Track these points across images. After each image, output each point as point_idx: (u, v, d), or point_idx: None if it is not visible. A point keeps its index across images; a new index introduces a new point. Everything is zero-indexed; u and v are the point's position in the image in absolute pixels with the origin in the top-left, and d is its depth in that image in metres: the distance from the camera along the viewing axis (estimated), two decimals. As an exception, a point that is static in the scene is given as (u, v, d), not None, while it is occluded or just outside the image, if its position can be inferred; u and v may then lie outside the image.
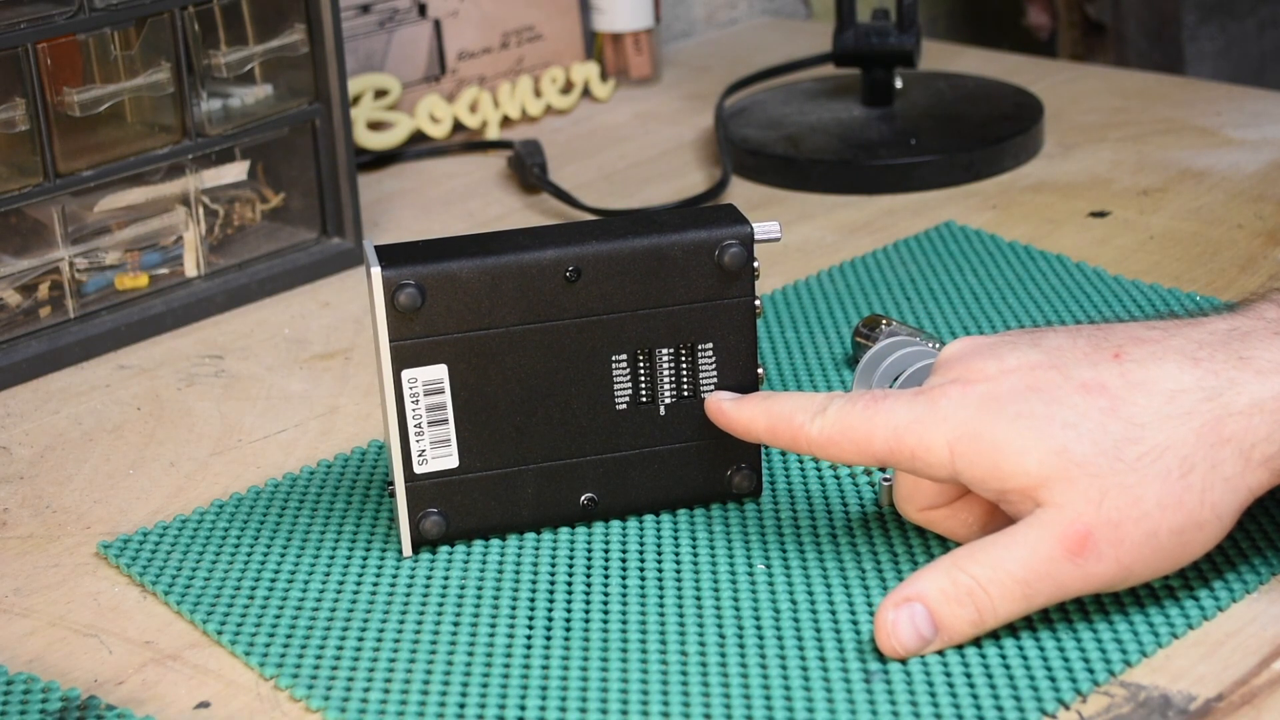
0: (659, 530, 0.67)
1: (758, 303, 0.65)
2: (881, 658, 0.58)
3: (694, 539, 0.66)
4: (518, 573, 0.65)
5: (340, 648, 0.61)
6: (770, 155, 1.04)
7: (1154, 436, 0.56)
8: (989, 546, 0.57)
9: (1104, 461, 0.56)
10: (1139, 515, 0.56)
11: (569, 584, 0.64)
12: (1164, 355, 0.58)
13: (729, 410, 0.65)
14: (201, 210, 0.91)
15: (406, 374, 0.63)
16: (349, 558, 0.66)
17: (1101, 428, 0.56)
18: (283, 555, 0.67)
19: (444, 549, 0.66)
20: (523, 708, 0.57)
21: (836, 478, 0.70)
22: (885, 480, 0.67)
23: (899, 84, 1.10)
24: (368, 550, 0.67)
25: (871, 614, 0.60)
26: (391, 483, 0.65)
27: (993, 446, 0.57)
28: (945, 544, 0.64)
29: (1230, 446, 0.56)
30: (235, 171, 0.92)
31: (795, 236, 0.96)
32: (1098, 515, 0.56)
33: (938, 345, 0.75)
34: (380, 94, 1.13)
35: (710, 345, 0.66)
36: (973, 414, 0.58)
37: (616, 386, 0.66)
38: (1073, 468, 0.56)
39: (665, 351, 0.66)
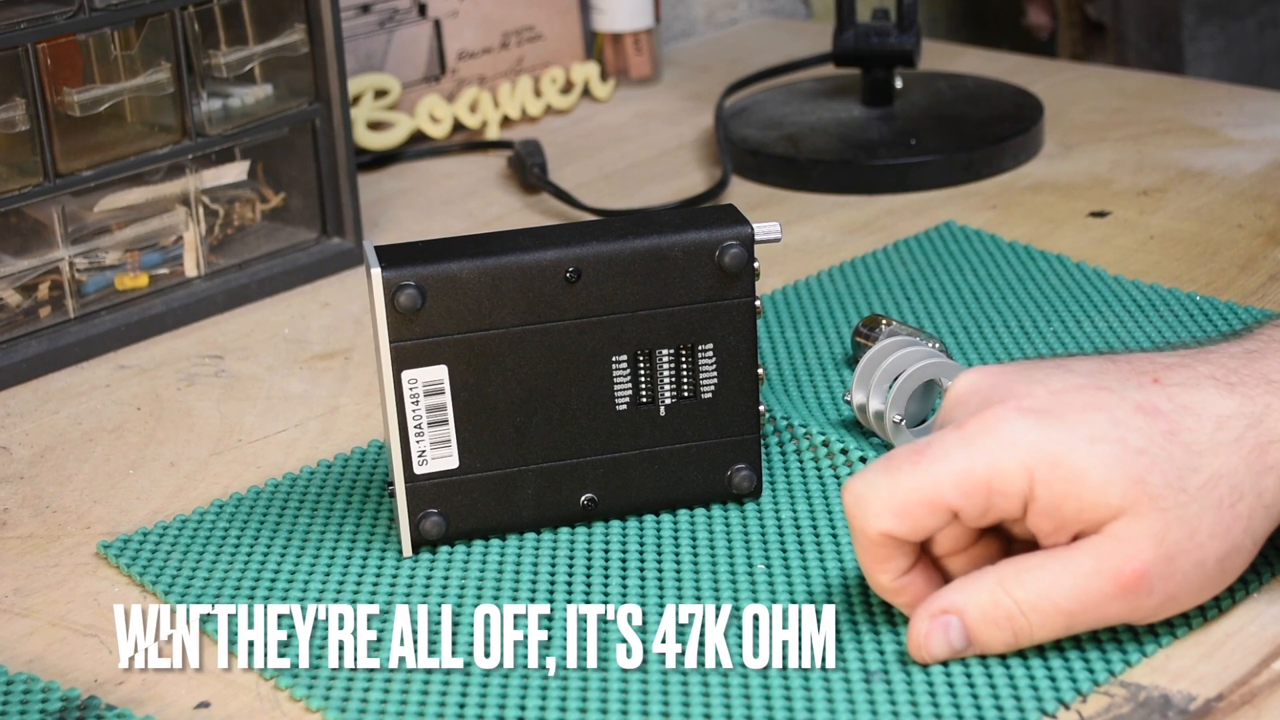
0: (659, 530, 0.67)
1: (758, 303, 0.65)
2: (881, 658, 0.58)
3: (694, 539, 0.66)
4: (518, 573, 0.65)
5: (341, 648, 0.61)
6: (770, 155, 1.04)
7: (1211, 464, 0.55)
8: (1038, 571, 0.56)
9: (1170, 495, 0.55)
10: (1192, 547, 0.55)
11: (569, 584, 0.64)
12: (1198, 381, 0.57)
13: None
14: (201, 210, 0.90)
15: (406, 375, 0.63)
16: (349, 558, 0.66)
17: (1168, 455, 0.55)
18: (283, 555, 0.67)
19: (444, 549, 0.66)
20: (523, 708, 0.57)
21: (837, 478, 0.70)
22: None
23: (899, 84, 1.10)
24: (368, 550, 0.67)
25: (871, 614, 0.60)
26: (391, 483, 0.65)
27: (1074, 473, 0.55)
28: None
29: (1274, 474, 0.56)
30: (235, 171, 0.92)
31: (795, 236, 0.96)
32: (1156, 552, 0.55)
33: (938, 345, 0.75)
34: (380, 94, 1.13)
35: (710, 345, 0.66)
36: (1043, 436, 0.55)
37: (617, 387, 0.65)
38: (1145, 501, 0.54)
39: (665, 352, 0.66)
